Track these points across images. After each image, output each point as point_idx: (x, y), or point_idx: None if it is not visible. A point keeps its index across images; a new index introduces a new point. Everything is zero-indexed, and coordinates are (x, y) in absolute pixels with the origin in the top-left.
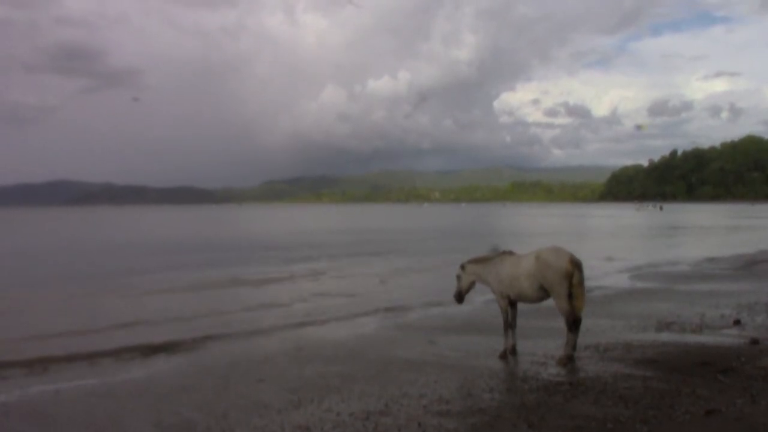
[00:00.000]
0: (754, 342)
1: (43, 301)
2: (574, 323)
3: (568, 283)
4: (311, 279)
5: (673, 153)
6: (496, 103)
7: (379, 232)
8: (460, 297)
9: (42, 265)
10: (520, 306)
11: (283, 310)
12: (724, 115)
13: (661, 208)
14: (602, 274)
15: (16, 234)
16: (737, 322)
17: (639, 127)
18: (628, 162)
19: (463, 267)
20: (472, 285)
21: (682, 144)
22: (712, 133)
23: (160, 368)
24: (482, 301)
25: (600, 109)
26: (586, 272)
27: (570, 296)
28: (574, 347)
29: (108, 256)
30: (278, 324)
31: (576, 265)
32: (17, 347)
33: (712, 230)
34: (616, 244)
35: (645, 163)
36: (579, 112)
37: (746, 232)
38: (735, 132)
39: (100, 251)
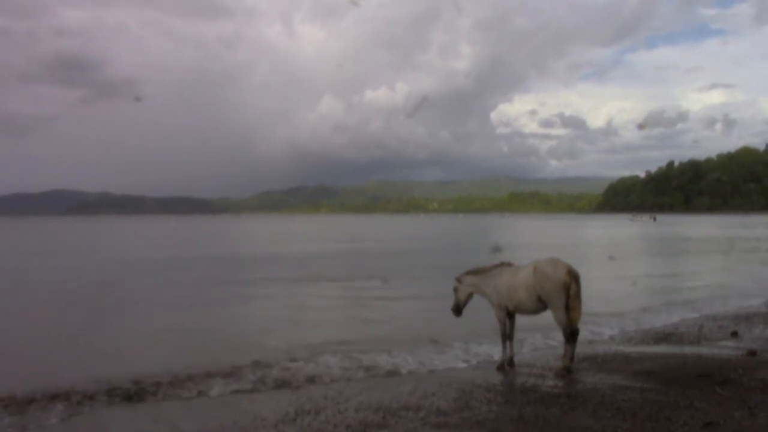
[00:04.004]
0: (752, 354)
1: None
2: (571, 334)
3: (566, 294)
4: (307, 293)
5: (670, 164)
6: (493, 114)
7: (381, 243)
8: (457, 309)
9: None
10: (518, 317)
11: (282, 325)
12: (720, 126)
13: (654, 219)
14: (598, 284)
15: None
16: (735, 334)
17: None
18: (625, 173)
19: (459, 279)
20: (469, 297)
21: (678, 155)
22: (708, 144)
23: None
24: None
25: (596, 120)
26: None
27: (567, 308)
28: (571, 359)
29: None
30: (277, 335)
31: (573, 276)
32: None
33: (699, 241)
34: (612, 253)
35: (641, 173)
36: (575, 123)
37: (730, 243)
38: (731, 143)
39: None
